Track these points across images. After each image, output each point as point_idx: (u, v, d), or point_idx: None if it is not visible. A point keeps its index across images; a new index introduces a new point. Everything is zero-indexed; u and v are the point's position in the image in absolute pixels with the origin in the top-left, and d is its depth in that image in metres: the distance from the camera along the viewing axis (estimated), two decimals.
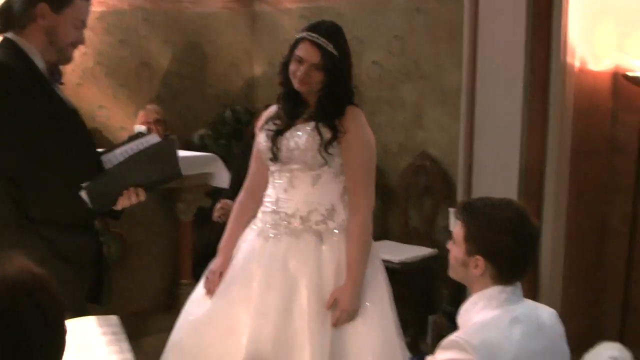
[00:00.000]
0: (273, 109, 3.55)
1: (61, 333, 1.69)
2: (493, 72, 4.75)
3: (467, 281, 2.61)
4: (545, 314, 2.62)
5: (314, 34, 3.31)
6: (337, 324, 3.26)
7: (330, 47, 3.29)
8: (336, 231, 3.37)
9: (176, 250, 5.46)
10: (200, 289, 3.53)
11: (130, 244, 5.17)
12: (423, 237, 6.01)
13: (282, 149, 3.35)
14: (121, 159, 3.18)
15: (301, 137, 3.32)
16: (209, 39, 7.38)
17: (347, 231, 3.37)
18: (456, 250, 2.59)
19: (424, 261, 5.75)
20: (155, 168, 3.19)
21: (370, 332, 3.30)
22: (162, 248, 5.42)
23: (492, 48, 4.75)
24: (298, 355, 3.22)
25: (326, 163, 3.31)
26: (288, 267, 3.32)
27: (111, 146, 3.33)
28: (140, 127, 5.89)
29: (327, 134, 3.30)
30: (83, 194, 3.02)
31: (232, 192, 5.70)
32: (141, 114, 6.53)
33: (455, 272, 2.64)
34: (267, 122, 3.48)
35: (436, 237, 5.90)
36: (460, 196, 5.00)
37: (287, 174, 3.38)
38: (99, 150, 3.31)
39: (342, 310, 3.25)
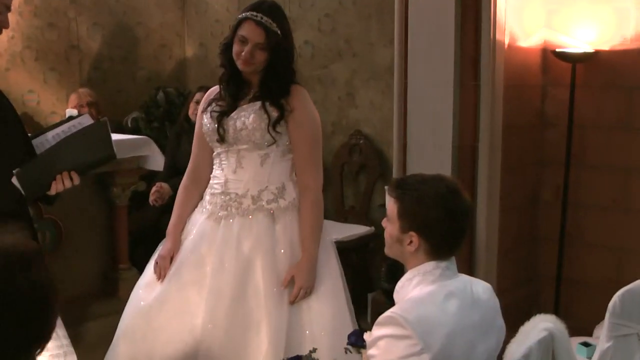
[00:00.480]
0: (213, 90, 3.53)
1: (54, 308, 1.70)
2: (424, 49, 4.77)
3: (403, 258, 2.62)
4: (480, 288, 2.65)
5: (257, 14, 3.29)
6: (295, 301, 3.28)
7: (274, 27, 3.29)
8: (288, 209, 3.39)
9: (112, 235, 5.41)
10: (148, 274, 3.49)
11: (65, 230, 5.10)
12: (359, 216, 6.04)
13: (229, 130, 3.34)
14: (53, 142, 3.13)
15: (248, 117, 3.31)
16: (138, 20, 7.29)
17: (298, 209, 3.39)
18: (390, 227, 2.60)
19: (361, 239, 5.77)
20: (88, 151, 3.14)
21: (322, 308, 3.32)
22: (98, 233, 5.36)
23: (422, 26, 4.76)
24: (254, 334, 3.23)
25: (275, 142, 3.32)
26: (242, 248, 3.31)
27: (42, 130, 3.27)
28: (72, 111, 5.80)
29: (274, 113, 3.31)
30: (14, 180, 2.96)
31: (167, 174, 5.68)
32: (73, 97, 6.43)
33: (390, 249, 2.65)
34: (209, 104, 3.46)
35: (372, 215, 5.94)
36: (395, 174, 5.02)
37: (235, 155, 3.37)
38: (30, 134, 3.25)
39: (299, 286, 3.27)
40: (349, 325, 3.33)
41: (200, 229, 3.42)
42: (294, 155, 3.40)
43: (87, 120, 3.20)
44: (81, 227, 5.23)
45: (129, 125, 6.93)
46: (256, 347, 3.22)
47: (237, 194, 3.37)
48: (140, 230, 5.97)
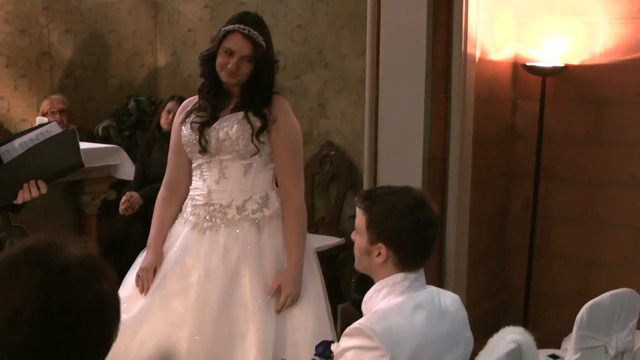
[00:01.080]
0: (190, 101, 3.51)
1: (118, 321, 1.69)
2: (396, 61, 4.79)
3: (371, 270, 2.63)
4: (449, 299, 2.66)
5: (244, 27, 3.30)
6: (282, 309, 3.28)
7: (260, 39, 3.30)
8: (273, 219, 3.40)
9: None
10: (128, 287, 3.44)
11: None
12: (330, 227, 6.03)
13: (211, 140, 3.33)
14: (20, 150, 3.11)
15: (231, 127, 3.30)
16: (111, 28, 7.26)
17: (283, 219, 3.41)
18: (359, 239, 2.61)
19: (332, 250, 5.77)
20: (55, 159, 3.13)
21: (305, 315, 3.33)
22: None
23: (394, 37, 4.78)
24: (240, 344, 3.22)
25: (258, 151, 3.32)
26: (228, 258, 3.30)
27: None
28: (42, 119, 5.76)
29: (257, 123, 3.31)
30: None
31: (137, 183, 5.65)
32: (45, 103, 6.39)
33: (359, 262, 2.66)
34: (188, 115, 3.44)
35: (343, 226, 5.94)
36: (366, 185, 5.03)
37: (218, 165, 3.36)
38: None
39: (287, 295, 3.27)
40: (329, 334, 3.34)
41: (184, 240, 3.40)
42: (275, 165, 3.41)
43: (55, 129, 3.19)
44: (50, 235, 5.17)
45: (100, 133, 6.90)
46: (243, 358, 3.21)
47: (221, 204, 3.36)
48: (110, 239, 5.93)
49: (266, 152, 3.36)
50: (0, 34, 6.62)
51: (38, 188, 3.08)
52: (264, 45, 3.32)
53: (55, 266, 1.59)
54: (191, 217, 3.41)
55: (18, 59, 6.73)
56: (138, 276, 3.41)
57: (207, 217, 3.36)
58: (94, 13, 7.13)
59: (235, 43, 3.29)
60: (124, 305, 3.36)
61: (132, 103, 6.89)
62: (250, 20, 3.34)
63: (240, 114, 3.32)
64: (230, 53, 3.30)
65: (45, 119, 5.78)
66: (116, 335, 1.69)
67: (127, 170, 5.48)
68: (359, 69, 5.72)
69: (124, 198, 5.49)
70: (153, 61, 7.49)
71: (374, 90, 4.94)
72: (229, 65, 3.29)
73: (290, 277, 3.31)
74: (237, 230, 3.34)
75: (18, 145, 3.13)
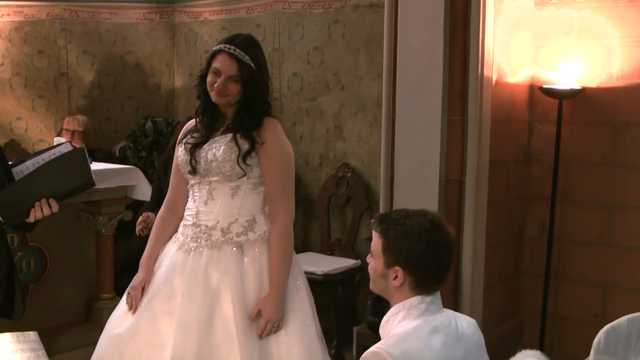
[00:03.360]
0: (191, 122, 3.53)
1: None
2: (412, 83, 4.80)
3: (388, 293, 2.62)
4: (465, 323, 2.65)
5: (230, 46, 3.31)
6: (262, 335, 3.24)
7: (246, 59, 3.30)
8: (257, 242, 3.36)
9: (97, 264, 5.38)
10: (122, 304, 3.47)
11: (50, 258, 5.08)
12: (345, 249, 6.03)
13: (201, 161, 3.34)
14: (32, 170, 3.13)
15: (219, 148, 3.30)
16: (128, 49, 7.32)
17: (268, 242, 3.37)
18: (375, 262, 2.61)
19: (347, 272, 5.76)
20: (65, 178, 3.14)
21: (291, 342, 3.29)
22: (83, 262, 5.34)
23: (411, 60, 4.79)
24: None
25: (245, 174, 3.31)
26: (209, 280, 3.29)
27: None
28: (60, 139, 5.81)
29: (245, 145, 3.30)
30: None
31: (154, 204, 5.65)
32: (72, 121, 6.47)
33: (375, 284, 2.65)
34: (185, 135, 3.47)
35: (358, 248, 5.93)
36: (382, 207, 5.03)
37: (206, 187, 3.37)
38: (10, 162, 3.25)
39: (267, 320, 3.23)
40: (318, 356, 3.31)
41: (172, 260, 3.40)
42: (265, 187, 3.39)
43: (67, 149, 3.21)
44: (66, 256, 5.21)
45: (117, 154, 6.93)
46: None
47: (207, 225, 3.35)
48: (125, 259, 5.95)
49: (255, 175, 3.35)
50: (18, 55, 6.68)
51: (49, 206, 3.09)
52: (252, 65, 3.30)
53: None
54: (180, 237, 3.42)
55: (36, 79, 6.79)
56: (128, 294, 3.42)
57: (193, 238, 3.36)
58: (112, 35, 7.20)
59: (222, 63, 3.31)
60: (116, 322, 3.42)
61: (149, 124, 6.92)
62: (240, 40, 3.35)
63: (229, 136, 3.32)
64: (216, 73, 3.31)
65: (62, 139, 5.83)
66: None
67: (143, 191, 5.50)
68: (375, 91, 5.73)
69: (140, 218, 5.50)
70: (170, 82, 7.53)
71: (391, 112, 4.94)
72: (216, 85, 3.30)
73: (271, 302, 3.26)
74: (220, 253, 3.32)
75: (31, 165, 3.17)
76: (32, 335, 2.85)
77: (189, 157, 3.36)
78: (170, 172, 5.65)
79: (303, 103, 6.34)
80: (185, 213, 3.46)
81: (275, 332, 3.27)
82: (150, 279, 3.42)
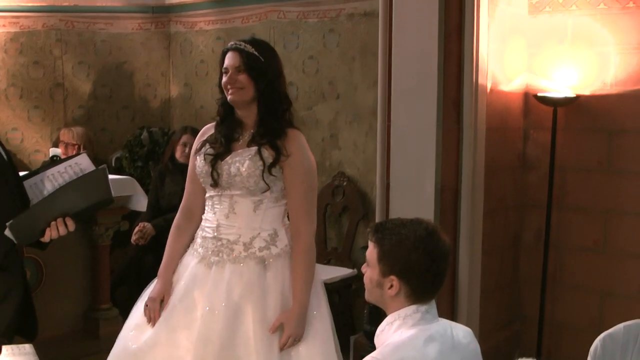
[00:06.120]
0: (206, 130, 3.49)
1: None
2: (407, 92, 4.80)
3: (383, 303, 2.62)
4: (461, 332, 2.65)
5: (233, 42, 3.32)
6: (284, 348, 3.23)
7: (248, 49, 3.28)
8: (280, 257, 3.35)
9: (93, 275, 5.38)
10: (137, 315, 3.43)
11: (46, 269, 5.08)
12: (342, 257, 6.03)
13: (223, 174, 3.30)
14: (48, 183, 3.06)
15: (243, 163, 3.27)
16: (124, 59, 7.32)
17: (291, 256, 3.35)
18: (371, 272, 2.61)
19: (344, 281, 5.76)
20: (84, 196, 3.05)
21: (311, 353, 3.28)
22: (79, 273, 5.34)
23: (405, 68, 4.80)
24: None
25: (269, 188, 3.29)
26: (232, 294, 3.26)
27: (26, 169, 3.21)
28: (55, 150, 5.80)
29: (269, 157, 3.27)
30: (7, 232, 2.89)
31: (150, 214, 5.67)
32: (63, 131, 6.48)
33: (370, 294, 2.65)
34: (203, 145, 3.42)
35: (355, 256, 5.93)
36: (378, 215, 5.03)
37: (228, 200, 3.33)
38: (22, 173, 3.19)
39: (289, 335, 3.23)
40: None
41: (192, 272, 3.37)
42: (287, 201, 3.37)
43: (84, 160, 3.13)
44: (63, 267, 5.20)
45: (113, 164, 6.94)
46: None
47: (228, 240, 3.32)
48: (122, 270, 5.95)
49: (278, 188, 3.32)
50: (14, 66, 6.69)
51: (66, 225, 3.02)
52: (257, 55, 3.28)
53: None
54: (200, 250, 3.39)
55: (32, 90, 6.80)
56: (146, 305, 3.39)
57: (215, 252, 3.33)
58: (107, 45, 7.21)
59: (227, 59, 3.31)
60: (131, 333, 3.38)
61: (144, 134, 6.93)
62: (246, 38, 3.36)
63: (253, 149, 3.28)
64: (226, 71, 3.31)
65: (58, 150, 5.82)
66: None
67: (139, 201, 5.50)
68: (371, 100, 5.74)
69: (136, 229, 5.52)
70: (166, 92, 7.54)
71: (386, 121, 4.95)
72: (224, 80, 3.30)
73: (294, 317, 3.25)
74: (242, 267, 3.30)
75: (46, 178, 3.09)
76: (28, 347, 2.85)
77: (210, 169, 3.32)
78: (167, 182, 5.71)
79: (298, 112, 6.33)
80: (204, 224, 3.43)
81: (296, 344, 3.27)
82: (169, 290, 3.40)
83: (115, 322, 5.26)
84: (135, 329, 3.39)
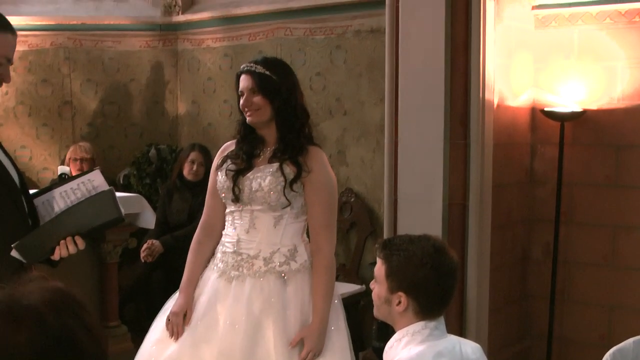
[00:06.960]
0: (227, 146, 3.52)
1: (104, 341, 1.61)
2: (414, 108, 4.81)
3: (391, 319, 2.62)
4: (470, 348, 2.65)
5: (246, 65, 3.36)
6: None
7: (259, 69, 3.31)
8: (300, 272, 3.36)
9: (102, 292, 5.38)
10: (158, 330, 3.45)
11: None
12: (350, 274, 6.02)
13: (244, 190, 3.33)
14: (60, 200, 3.04)
15: (264, 178, 3.30)
16: (132, 77, 7.35)
17: (311, 272, 3.37)
18: (379, 288, 2.62)
19: (352, 297, 5.74)
20: (93, 216, 3.05)
21: None
22: (88, 290, 5.33)
23: (412, 84, 4.81)
24: None
25: (289, 204, 3.31)
26: (252, 309, 3.28)
27: (34, 187, 3.21)
28: (63, 168, 5.83)
29: (291, 173, 3.30)
30: (14, 253, 2.87)
31: (158, 231, 5.69)
32: (71, 149, 6.49)
33: (379, 310, 2.66)
34: (224, 161, 3.45)
35: (363, 273, 5.92)
36: (386, 232, 5.03)
37: (248, 215, 3.35)
38: (32, 191, 3.16)
39: (309, 350, 3.24)
40: None
41: (213, 287, 3.39)
42: (308, 217, 3.39)
43: (97, 177, 3.11)
44: (71, 284, 5.05)
45: (121, 181, 6.95)
46: None
47: (248, 254, 3.35)
48: (130, 287, 5.96)
49: (299, 204, 3.34)
50: (23, 84, 6.72)
51: (75, 244, 2.99)
52: (269, 74, 3.32)
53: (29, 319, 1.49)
54: (220, 264, 3.41)
55: (40, 108, 6.83)
56: (168, 320, 3.40)
57: (235, 266, 3.35)
58: (115, 62, 7.23)
59: (242, 82, 3.35)
60: (153, 348, 3.39)
61: (152, 151, 6.94)
62: (259, 59, 3.40)
63: (275, 165, 3.32)
64: (241, 94, 3.35)
65: (67, 168, 5.85)
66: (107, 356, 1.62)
67: (147, 218, 5.52)
68: (378, 116, 5.74)
69: (144, 246, 5.53)
70: (173, 109, 7.56)
71: (393, 137, 4.95)
72: (241, 103, 3.34)
73: (315, 332, 3.27)
74: (262, 282, 3.31)
75: (58, 195, 3.07)
76: None
77: (231, 185, 3.35)
78: (174, 200, 5.73)
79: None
80: (224, 239, 3.45)
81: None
82: (191, 305, 3.41)
83: (123, 339, 5.27)
84: (157, 344, 3.41)
